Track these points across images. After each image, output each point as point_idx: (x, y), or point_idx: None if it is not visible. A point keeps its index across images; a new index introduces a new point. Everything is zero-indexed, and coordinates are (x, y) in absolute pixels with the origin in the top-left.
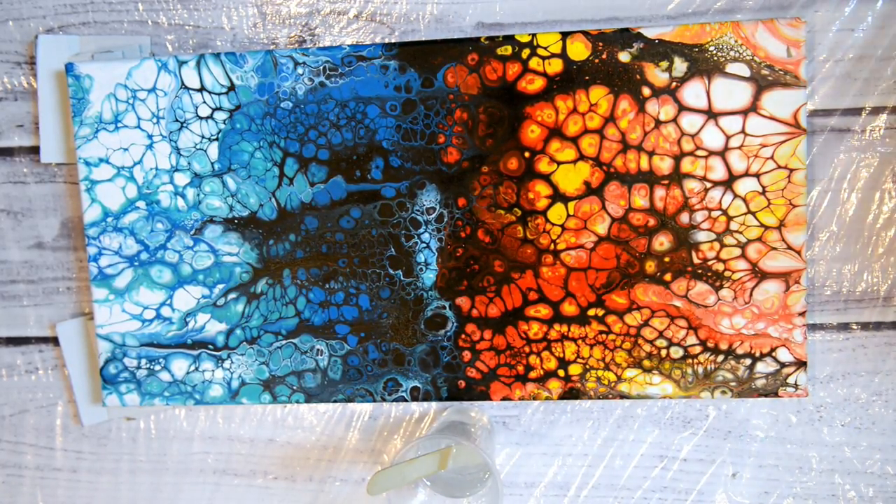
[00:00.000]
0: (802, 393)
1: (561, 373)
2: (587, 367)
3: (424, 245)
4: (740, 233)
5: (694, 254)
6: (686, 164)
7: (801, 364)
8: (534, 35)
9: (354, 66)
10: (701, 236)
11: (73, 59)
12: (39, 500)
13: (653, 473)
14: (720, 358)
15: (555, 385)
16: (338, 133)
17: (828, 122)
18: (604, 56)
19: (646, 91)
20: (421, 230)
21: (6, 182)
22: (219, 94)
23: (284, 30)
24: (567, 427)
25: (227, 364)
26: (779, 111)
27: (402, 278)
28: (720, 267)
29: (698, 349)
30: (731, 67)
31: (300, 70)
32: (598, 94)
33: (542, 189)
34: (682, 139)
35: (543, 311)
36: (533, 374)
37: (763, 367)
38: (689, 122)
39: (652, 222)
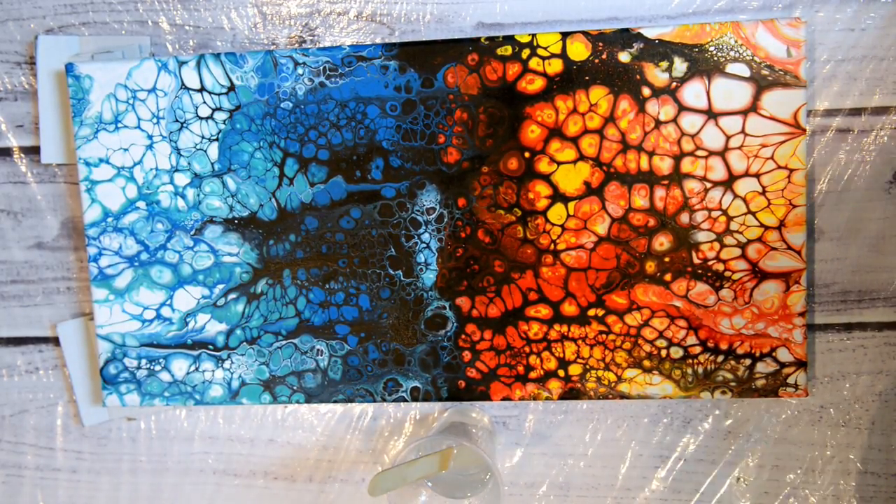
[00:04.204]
0: (802, 393)
1: (561, 373)
2: (587, 367)
3: (424, 245)
4: (740, 233)
5: (694, 254)
6: (686, 165)
7: (801, 364)
8: (534, 35)
9: (354, 67)
10: (701, 236)
11: (73, 60)
12: (40, 501)
13: (653, 473)
14: (720, 358)
15: (555, 385)
16: (338, 133)
17: (828, 122)
18: (604, 56)
19: (646, 91)
20: (421, 230)
21: (6, 182)
22: (219, 95)
23: (284, 30)
24: (567, 427)
25: (227, 364)
26: (779, 111)
27: (402, 278)
28: (720, 267)
29: (698, 349)
30: (732, 67)
31: (300, 70)
32: (598, 94)
33: (542, 189)
34: (682, 139)
35: (543, 311)
36: (533, 375)
37: (763, 368)
38: (690, 122)
39: (652, 222)
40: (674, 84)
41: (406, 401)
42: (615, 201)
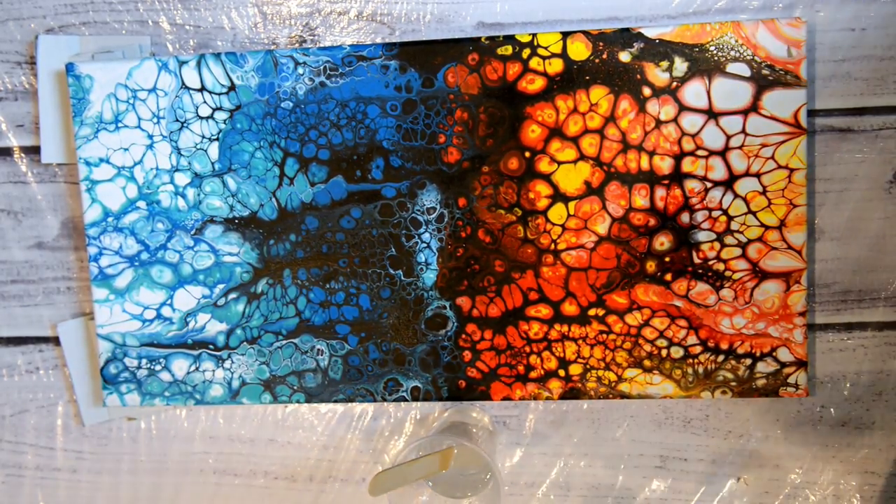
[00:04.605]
0: (802, 393)
1: (561, 373)
2: (588, 366)
3: (425, 245)
4: (741, 233)
5: (694, 254)
6: (686, 164)
7: (801, 364)
8: (534, 35)
9: (355, 66)
10: (701, 236)
11: (74, 59)
12: (40, 500)
13: (653, 473)
14: (720, 358)
15: (555, 385)
16: (338, 133)
17: (828, 122)
18: (604, 56)
19: (646, 91)
20: (421, 230)
21: (6, 182)
22: (219, 94)
23: (285, 30)
24: (567, 427)
25: (227, 364)
26: (779, 111)
27: (402, 278)
28: (721, 267)
29: (699, 349)
30: (732, 67)
31: (301, 70)
32: (599, 93)
33: (542, 189)
34: (682, 139)
35: (544, 310)
36: (533, 374)
37: (763, 367)
38: (690, 121)
39: (652, 222)
40: (674, 84)
41: (406, 400)
42: (615, 201)
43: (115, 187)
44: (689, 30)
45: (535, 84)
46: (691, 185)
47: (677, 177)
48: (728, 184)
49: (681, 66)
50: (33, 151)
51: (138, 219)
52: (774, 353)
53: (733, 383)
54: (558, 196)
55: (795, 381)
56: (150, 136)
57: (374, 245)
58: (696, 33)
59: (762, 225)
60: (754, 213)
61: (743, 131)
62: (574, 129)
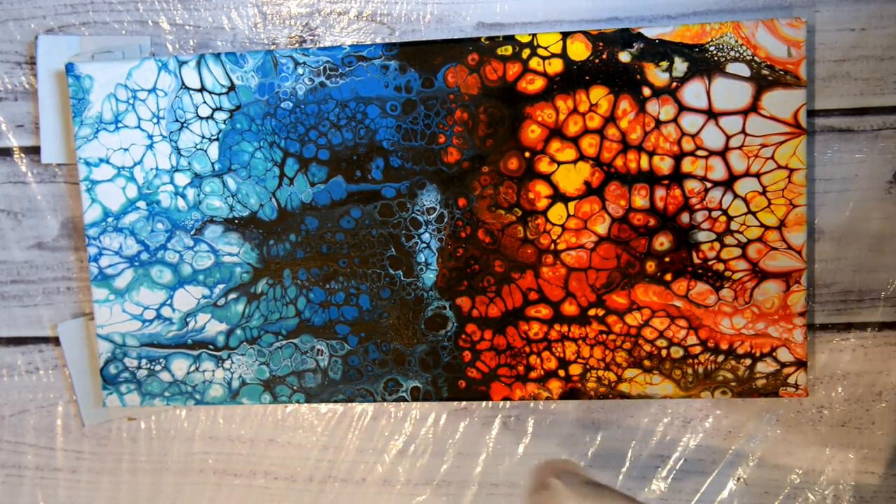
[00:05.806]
0: (802, 393)
1: (561, 373)
2: (587, 367)
3: (425, 245)
4: (741, 233)
5: (694, 254)
6: (686, 164)
7: (801, 364)
8: (534, 35)
9: (355, 67)
10: (701, 236)
11: (74, 59)
12: (40, 500)
13: (653, 473)
14: (720, 358)
15: (555, 385)
16: (338, 133)
17: (828, 122)
18: (604, 56)
19: (646, 91)
20: (421, 230)
21: (6, 182)
22: (219, 95)
23: (285, 30)
24: (568, 427)
25: (227, 364)
26: (779, 111)
27: (402, 278)
28: (720, 267)
29: (698, 349)
30: (732, 67)
31: (300, 70)
32: (599, 94)
33: (542, 189)
34: (682, 139)
35: (544, 311)
36: (533, 374)
37: (763, 367)
38: (690, 121)
39: (652, 222)
40: (674, 84)
41: (406, 400)
42: (615, 201)
43: (114, 187)
44: (689, 30)
45: (535, 84)
46: (691, 185)
47: (677, 177)
48: (728, 184)
49: (680, 66)
50: (33, 151)
51: (138, 219)
52: (774, 354)
53: (733, 383)
54: (558, 196)
55: (795, 381)
56: (150, 137)
57: (374, 245)
58: (695, 33)
59: (762, 225)
60: (754, 214)
61: (743, 131)
62: (574, 130)
